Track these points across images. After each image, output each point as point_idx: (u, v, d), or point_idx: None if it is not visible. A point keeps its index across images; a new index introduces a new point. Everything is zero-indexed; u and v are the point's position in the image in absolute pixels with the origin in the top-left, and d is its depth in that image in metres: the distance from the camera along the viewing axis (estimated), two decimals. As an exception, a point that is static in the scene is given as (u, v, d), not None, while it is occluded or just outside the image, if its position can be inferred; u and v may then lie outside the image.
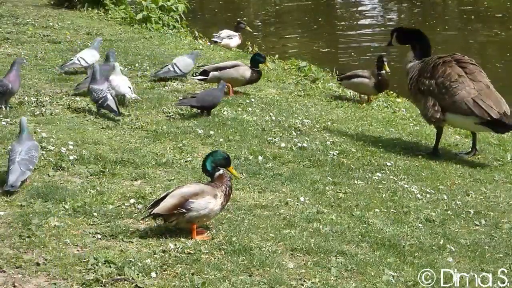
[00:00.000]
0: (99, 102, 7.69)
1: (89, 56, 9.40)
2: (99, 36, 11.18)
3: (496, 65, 14.54)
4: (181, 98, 8.50)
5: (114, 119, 7.65)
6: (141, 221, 5.19)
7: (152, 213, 4.91)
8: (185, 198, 4.90)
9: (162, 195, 5.02)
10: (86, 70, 9.32)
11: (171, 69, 9.63)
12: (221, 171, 5.09)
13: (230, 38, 13.86)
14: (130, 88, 8.27)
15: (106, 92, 7.69)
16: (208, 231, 5.13)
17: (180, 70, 9.61)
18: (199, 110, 8.17)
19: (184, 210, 4.88)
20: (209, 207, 4.94)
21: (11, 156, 5.71)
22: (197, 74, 9.47)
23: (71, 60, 9.52)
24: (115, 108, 7.64)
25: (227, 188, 5.05)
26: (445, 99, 7.40)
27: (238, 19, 15.18)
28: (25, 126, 5.90)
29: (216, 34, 14.12)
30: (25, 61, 8.68)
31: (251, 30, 15.08)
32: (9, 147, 6.10)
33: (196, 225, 5.02)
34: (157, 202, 4.95)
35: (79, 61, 9.35)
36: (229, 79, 9.26)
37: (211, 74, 9.29)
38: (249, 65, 9.37)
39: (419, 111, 8.22)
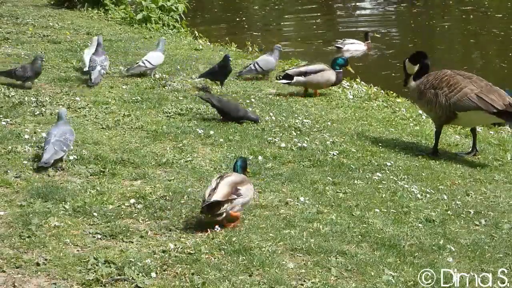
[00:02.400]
0: (88, 69, 9.07)
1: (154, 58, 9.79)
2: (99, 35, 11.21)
3: (502, 65, 14.52)
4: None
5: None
6: (201, 215, 5.23)
7: (212, 200, 5.08)
8: (235, 186, 5.25)
9: (212, 186, 5.20)
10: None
11: (253, 67, 10.26)
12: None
13: (352, 43, 15.48)
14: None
15: (96, 63, 8.97)
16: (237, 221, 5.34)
17: (261, 68, 10.26)
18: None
19: (235, 196, 5.20)
20: (251, 193, 5.38)
21: (47, 138, 6.25)
22: (280, 77, 9.80)
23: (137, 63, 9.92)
24: (92, 78, 8.91)
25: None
26: (451, 98, 7.53)
27: (367, 30, 16.36)
28: (63, 115, 6.48)
29: (339, 40, 15.67)
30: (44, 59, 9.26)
31: (378, 36, 16.25)
32: (47, 131, 6.55)
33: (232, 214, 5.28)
34: (210, 193, 5.16)
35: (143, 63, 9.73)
36: (315, 84, 9.68)
37: (296, 78, 9.63)
38: (330, 67, 9.73)
39: (429, 117, 8.27)
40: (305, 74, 9.62)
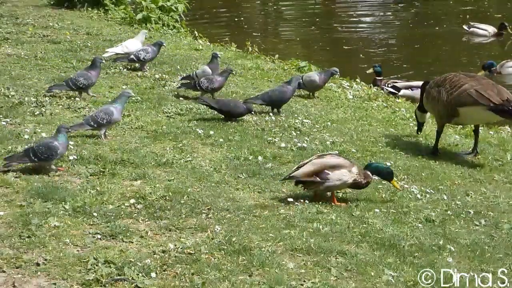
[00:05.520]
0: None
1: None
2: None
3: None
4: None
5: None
6: (280, 182, 5.94)
7: (291, 175, 5.64)
8: (322, 169, 5.59)
9: (304, 162, 5.74)
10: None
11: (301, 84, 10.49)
12: (369, 174, 5.85)
13: (482, 29, 16.16)
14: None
15: (137, 50, 9.95)
16: (345, 203, 5.81)
17: (304, 85, 10.06)
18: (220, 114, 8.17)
19: (319, 180, 5.57)
20: (343, 179, 5.65)
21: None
22: (389, 85, 10.84)
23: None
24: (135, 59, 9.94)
25: (364, 181, 5.79)
26: (452, 94, 7.61)
27: (502, 22, 16.74)
28: (121, 96, 7.12)
29: (471, 22, 16.43)
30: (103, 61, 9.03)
31: (511, 32, 16.52)
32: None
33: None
34: (298, 168, 5.69)
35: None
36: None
37: (402, 91, 10.61)
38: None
39: (433, 116, 8.29)
40: (412, 88, 10.52)
